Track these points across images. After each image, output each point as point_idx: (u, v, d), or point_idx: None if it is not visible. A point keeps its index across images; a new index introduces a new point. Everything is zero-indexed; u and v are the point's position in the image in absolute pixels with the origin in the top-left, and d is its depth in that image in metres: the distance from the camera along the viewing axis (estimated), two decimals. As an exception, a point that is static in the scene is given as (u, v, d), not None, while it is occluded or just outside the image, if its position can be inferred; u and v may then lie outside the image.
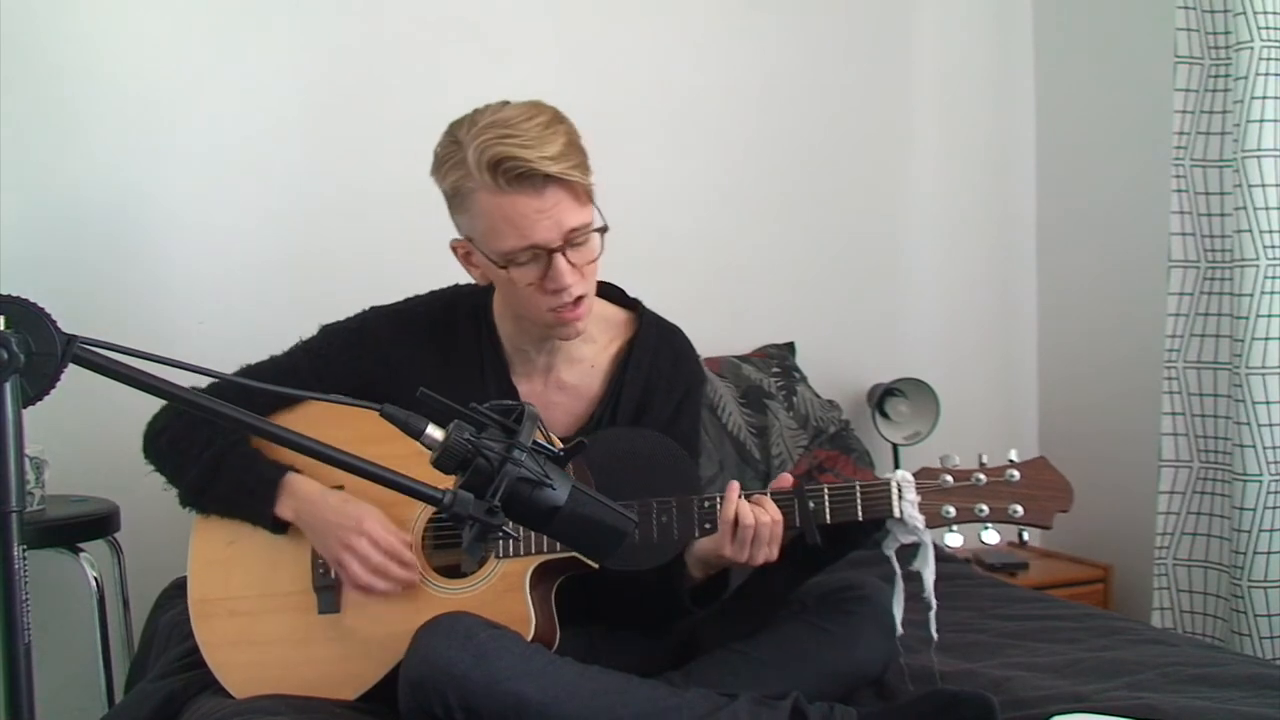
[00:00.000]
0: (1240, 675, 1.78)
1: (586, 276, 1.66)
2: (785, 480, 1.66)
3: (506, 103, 1.65)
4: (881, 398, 2.99)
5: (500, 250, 1.61)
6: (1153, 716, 1.58)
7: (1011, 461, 1.64)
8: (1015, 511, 1.61)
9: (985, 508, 1.61)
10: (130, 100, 2.48)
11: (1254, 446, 2.43)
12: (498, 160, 1.55)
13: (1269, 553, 2.43)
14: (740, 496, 1.61)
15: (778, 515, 1.60)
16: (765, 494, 1.62)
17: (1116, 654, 1.92)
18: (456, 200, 1.64)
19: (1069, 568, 3.02)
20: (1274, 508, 2.43)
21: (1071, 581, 2.92)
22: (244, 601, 1.74)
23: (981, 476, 1.62)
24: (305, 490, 1.70)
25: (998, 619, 2.17)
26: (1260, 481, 2.43)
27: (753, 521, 1.59)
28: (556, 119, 1.62)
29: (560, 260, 1.61)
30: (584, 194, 1.61)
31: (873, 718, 1.61)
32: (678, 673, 1.67)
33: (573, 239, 1.61)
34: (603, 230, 1.65)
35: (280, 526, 1.72)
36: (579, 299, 1.66)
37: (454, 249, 1.73)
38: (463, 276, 1.86)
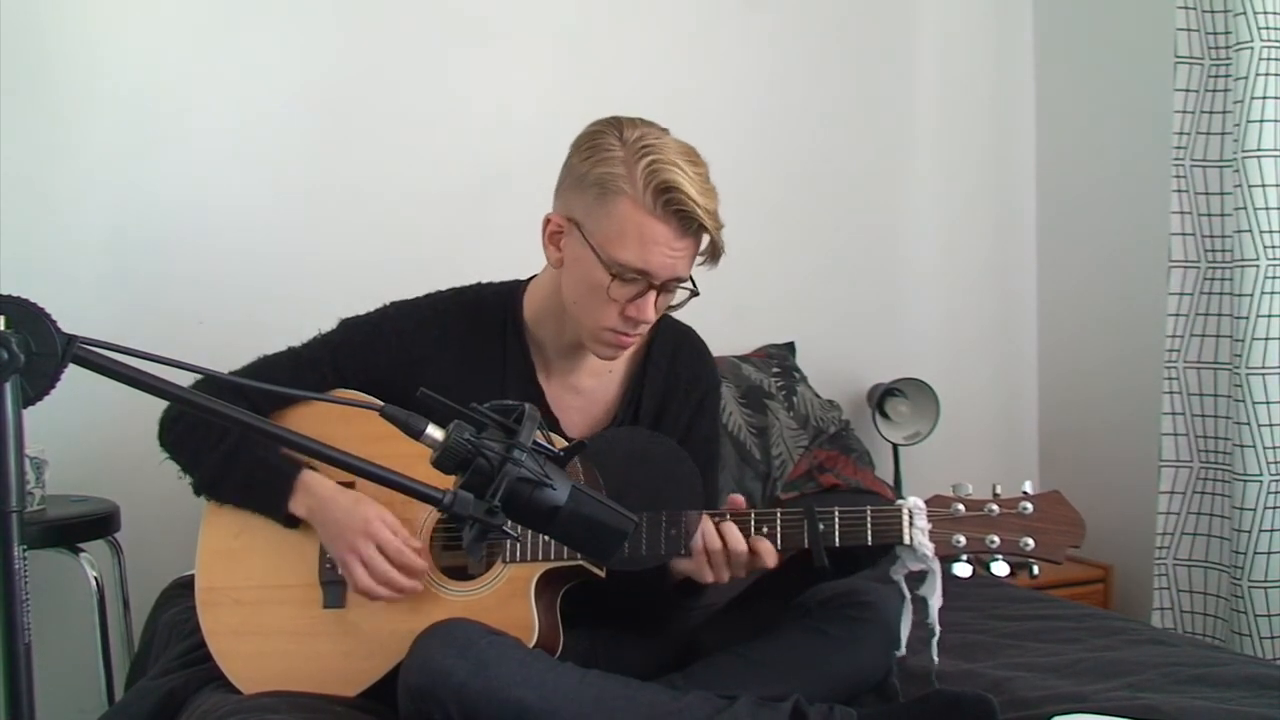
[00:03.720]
0: (1240, 675, 1.78)
1: (657, 317, 1.71)
2: (739, 502, 1.66)
3: (666, 131, 1.67)
4: (881, 398, 2.99)
5: (615, 258, 1.62)
6: (1153, 716, 1.58)
7: (1026, 493, 1.63)
8: (1026, 544, 1.60)
9: (996, 539, 1.60)
10: (131, 97, 2.48)
11: (1254, 446, 2.43)
12: (668, 187, 1.58)
13: (1269, 553, 2.43)
14: (715, 517, 1.62)
15: (741, 546, 1.61)
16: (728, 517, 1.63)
17: (1116, 654, 1.92)
18: (592, 189, 1.63)
19: (1069, 568, 3.01)
20: (1274, 508, 2.43)
21: (1071, 581, 2.92)
22: (249, 591, 1.74)
23: (994, 507, 1.61)
24: (318, 488, 1.69)
25: (998, 619, 2.17)
26: (1260, 481, 2.43)
27: (720, 545, 1.60)
28: (709, 175, 1.66)
29: (653, 296, 1.65)
30: (703, 253, 1.67)
31: (873, 719, 1.61)
32: (679, 674, 1.67)
33: (672, 285, 1.67)
34: (694, 293, 1.70)
35: (292, 522, 1.72)
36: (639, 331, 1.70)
37: (548, 222, 1.71)
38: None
